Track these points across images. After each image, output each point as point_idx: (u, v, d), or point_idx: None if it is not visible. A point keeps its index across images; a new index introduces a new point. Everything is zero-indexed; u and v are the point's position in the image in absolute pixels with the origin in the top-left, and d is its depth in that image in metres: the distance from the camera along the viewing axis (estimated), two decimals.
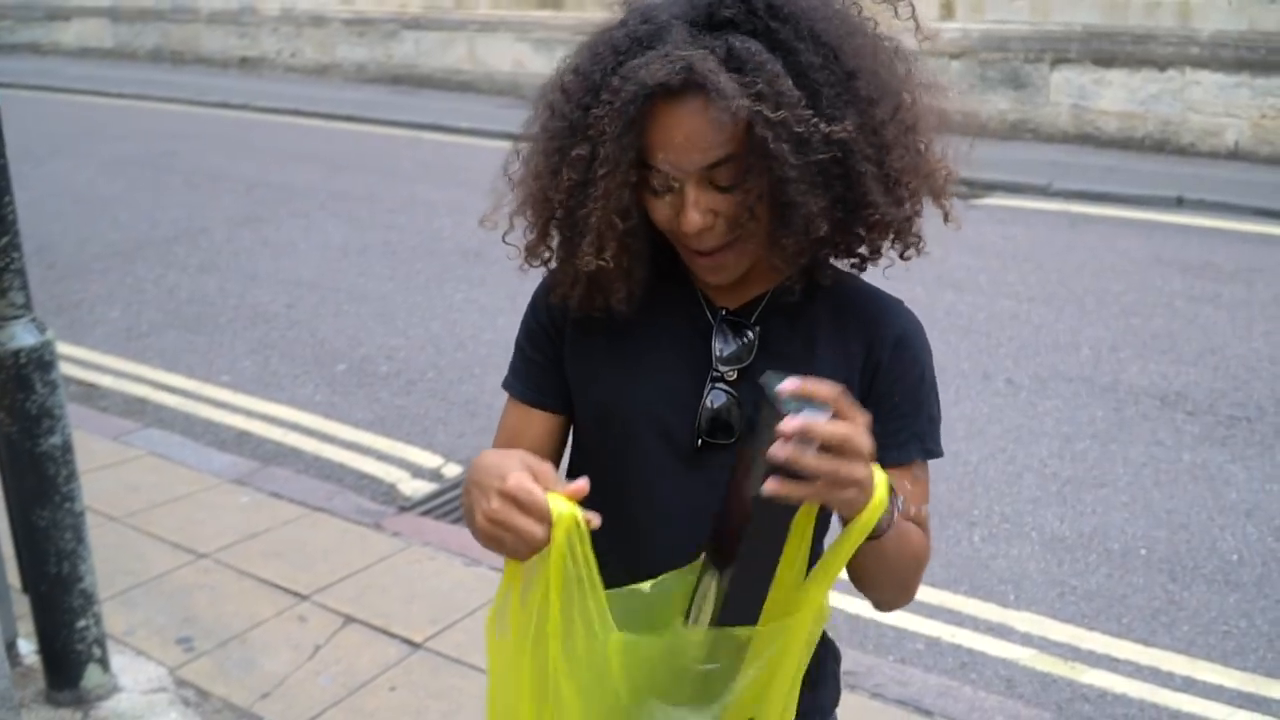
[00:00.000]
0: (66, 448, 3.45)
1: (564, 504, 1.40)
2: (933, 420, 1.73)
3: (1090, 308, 7.41)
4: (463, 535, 4.81)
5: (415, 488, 5.39)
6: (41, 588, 3.51)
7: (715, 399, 1.66)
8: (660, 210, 1.58)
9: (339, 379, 6.67)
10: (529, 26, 16.88)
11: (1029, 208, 10.41)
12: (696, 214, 1.53)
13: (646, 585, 1.56)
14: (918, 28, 1.68)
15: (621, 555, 1.58)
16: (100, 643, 3.66)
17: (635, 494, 1.70)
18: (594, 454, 1.78)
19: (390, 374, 6.73)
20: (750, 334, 1.68)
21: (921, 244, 1.67)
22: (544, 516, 1.37)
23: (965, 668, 4.09)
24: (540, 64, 16.85)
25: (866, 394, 1.66)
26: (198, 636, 4.09)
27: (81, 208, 10.68)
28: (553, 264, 1.72)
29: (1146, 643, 4.22)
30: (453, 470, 5.53)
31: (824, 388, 1.35)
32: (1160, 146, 12.49)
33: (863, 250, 1.67)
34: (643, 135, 1.51)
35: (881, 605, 1.72)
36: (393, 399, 6.38)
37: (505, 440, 1.81)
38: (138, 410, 6.24)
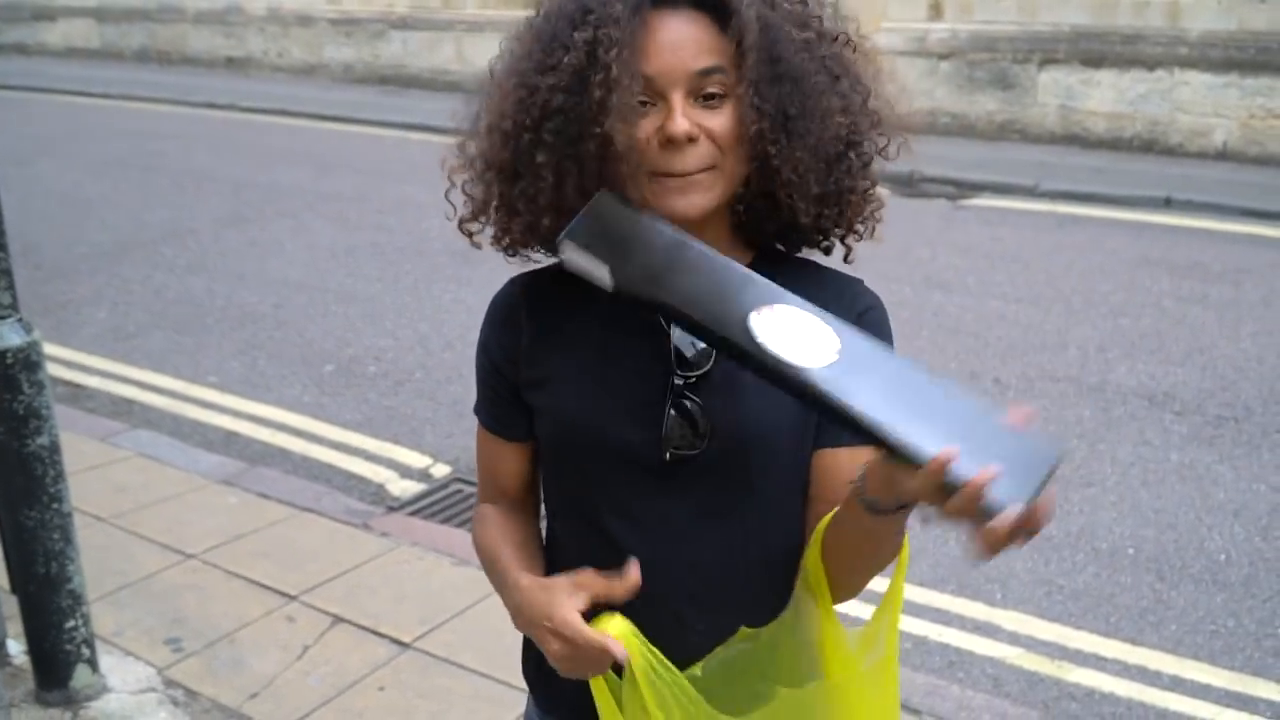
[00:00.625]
0: (54, 448, 3.46)
1: (618, 622, 1.47)
2: None
3: (1078, 308, 7.44)
4: (451, 535, 4.83)
5: (403, 488, 5.40)
6: (30, 588, 3.52)
7: (676, 407, 1.61)
8: (644, 126, 1.52)
9: (327, 379, 6.68)
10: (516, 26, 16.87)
11: (1017, 208, 10.44)
12: (682, 119, 1.51)
13: (697, 670, 1.58)
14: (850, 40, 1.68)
15: (599, 564, 1.59)
16: (89, 643, 3.67)
17: (610, 511, 1.67)
18: (564, 473, 1.74)
19: (378, 374, 6.73)
20: None
21: (853, 233, 1.69)
22: (601, 648, 1.46)
23: (953, 666, 4.12)
24: None
25: None
26: (186, 637, 4.10)
27: (68, 208, 10.67)
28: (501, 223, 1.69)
29: (1134, 642, 4.24)
30: (441, 470, 5.53)
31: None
32: (1148, 147, 12.53)
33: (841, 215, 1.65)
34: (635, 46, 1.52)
35: (841, 597, 1.66)
36: (381, 399, 6.38)
37: (486, 469, 1.84)
38: (125, 411, 6.24)
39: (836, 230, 1.68)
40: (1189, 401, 6.14)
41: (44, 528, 3.46)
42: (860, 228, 1.68)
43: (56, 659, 3.62)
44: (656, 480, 1.63)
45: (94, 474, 5.22)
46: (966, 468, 1.24)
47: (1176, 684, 4.02)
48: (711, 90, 1.53)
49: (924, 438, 1.27)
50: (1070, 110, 12.99)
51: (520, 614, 1.58)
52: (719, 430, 1.60)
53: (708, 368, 1.61)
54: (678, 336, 1.61)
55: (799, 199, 1.57)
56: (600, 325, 1.67)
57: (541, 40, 1.58)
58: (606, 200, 1.49)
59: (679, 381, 1.61)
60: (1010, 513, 1.24)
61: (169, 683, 3.85)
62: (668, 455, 1.61)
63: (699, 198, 1.56)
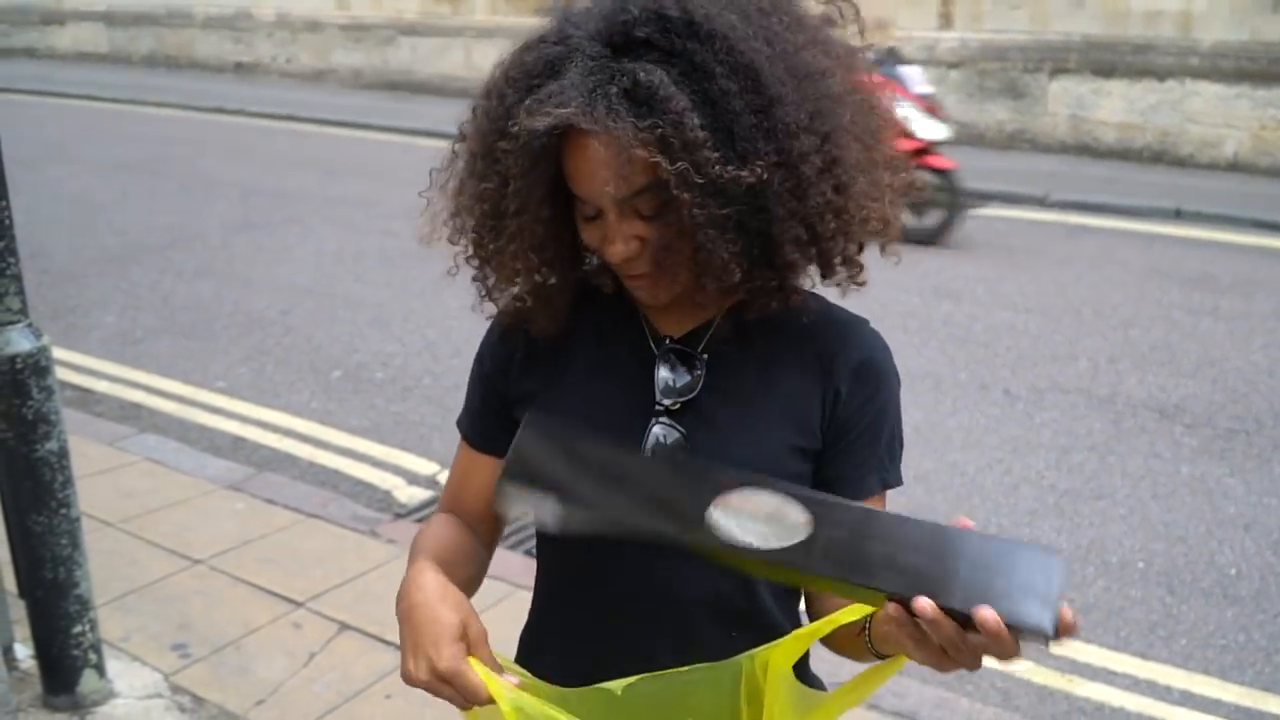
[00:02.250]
0: (63, 453, 3.46)
1: (504, 691, 1.38)
2: (893, 450, 1.64)
3: (1088, 319, 7.44)
4: None
5: (410, 494, 5.40)
6: (38, 593, 3.52)
7: (657, 435, 1.57)
8: (590, 234, 1.51)
9: (334, 385, 6.68)
10: (525, 33, 16.88)
11: (1026, 218, 10.44)
12: (620, 244, 1.47)
13: (617, 688, 1.49)
14: (861, 33, 1.59)
15: (580, 591, 1.59)
16: (96, 648, 3.67)
17: (592, 540, 1.61)
18: None
19: (386, 380, 6.74)
20: (697, 364, 1.59)
21: (856, 277, 1.57)
22: (480, 701, 1.39)
23: (962, 680, 4.10)
24: None
25: (828, 424, 1.59)
26: (193, 643, 4.09)
27: (77, 213, 10.69)
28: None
29: (1144, 656, 4.23)
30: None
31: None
32: (1159, 157, 12.54)
33: (776, 284, 1.52)
34: (557, 166, 1.46)
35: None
36: (388, 405, 6.39)
37: (456, 482, 1.81)
38: (133, 416, 6.24)
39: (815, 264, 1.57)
40: (1200, 414, 6.13)
41: (52, 533, 3.46)
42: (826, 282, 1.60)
43: (64, 664, 3.62)
44: None
45: (102, 478, 5.22)
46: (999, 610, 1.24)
47: (1186, 699, 4.01)
48: (645, 212, 1.46)
49: (952, 594, 1.25)
50: (1081, 120, 13.00)
51: (408, 613, 1.49)
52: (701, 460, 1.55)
53: (693, 396, 1.58)
54: (665, 363, 1.60)
55: (774, 296, 1.53)
56: (594, 344, 1.65)
57: (469, 166, 1.56)
58: (535, 427, 1.45)
59: (660, 408, 1.58)
60: (1047, 630, 1.25)
61: (175, 688, 3.85)
62: None
63: (664, 289, 1.53)
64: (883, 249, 1.60)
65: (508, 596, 4.30)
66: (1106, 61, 12.76)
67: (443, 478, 5.43)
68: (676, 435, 1.56)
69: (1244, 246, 9.50)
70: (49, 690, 3.64)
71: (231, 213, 10.75)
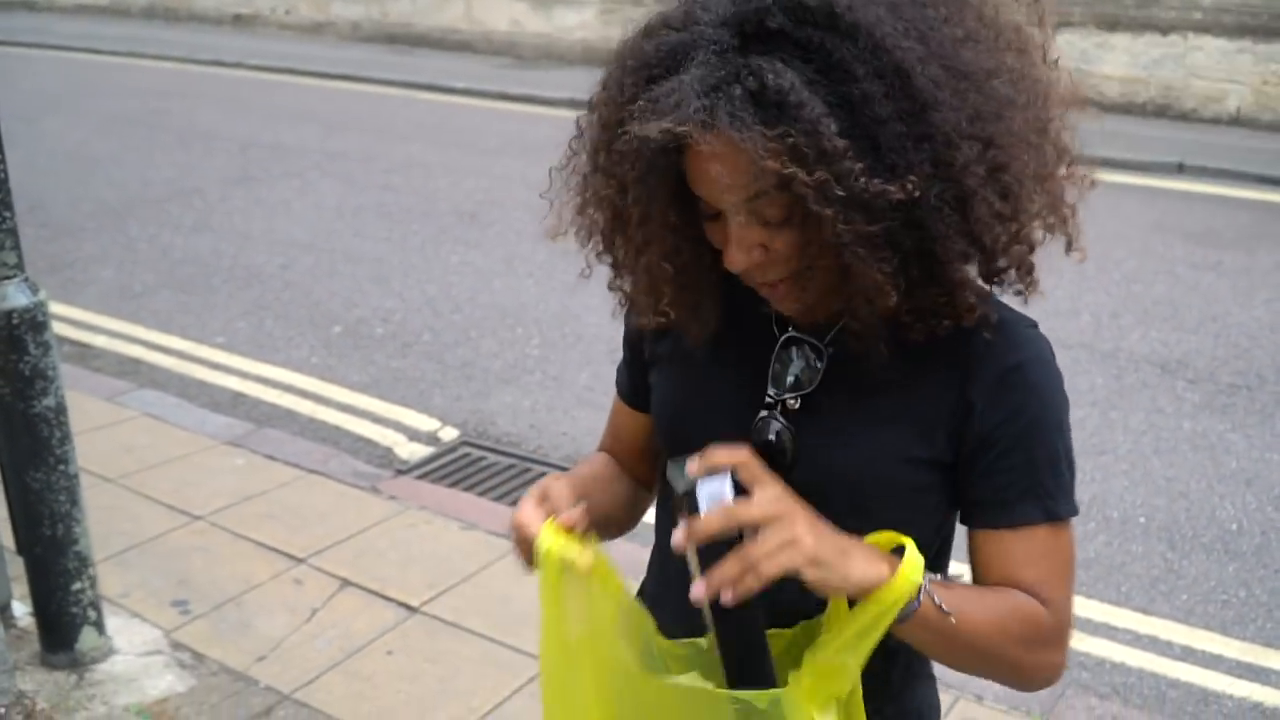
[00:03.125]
0: (60, 409, 3.43)
1: (550, 537, 1.41)
2: (1055, 472, 1.44)
3: (1090, 274, 7.37)
4: (459, 499, 4.82)
5: (411, 451, 5.38)
6: (36, 550, 3.51)
7: (764, 430, 1.48)
8: (713, 233, 1.40)
9: (334, 341, 6.65)
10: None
11: None
12: (739, 252, 1.35)
13: (703, 641, 1.46)
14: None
15: (675, 583, 1.48)
16: (95, 605, 3.66)
17: None
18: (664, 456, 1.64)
19: (386, 336, 6.71)
20: (817, 358, 1.48)
21: (1031, 282, 1.42)
22: (527, 548, 1.44)
23: None
24: (538, 23, 16.79)
25: (961, 437, 1.44)
26: (193, 599, 4.09)
27: (74, 166, 10.63)
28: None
29: (1145, 611, 4.22)
30: (449, 434, 5.51)
31: (721, 455, 1.29)
32: (1162, 112, 12.46)
33: (945, 301, 1.37)
34: (679, 164, 1.34)
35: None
36: (388, 361, 6.36)
37: (611, 429, 1.82)
38: (132, 371, 6.22)
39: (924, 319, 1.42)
40: (1202, 369, 6.10)
41: (50, 489, 3.44)
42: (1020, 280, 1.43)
43: (63, 621, 3.61)
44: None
45: (101, 434, 5.21)
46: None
47: (1188, 654, 4.01)
48: (771, 218, 1.33)
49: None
50: (1084, 74, 12.89)
51: None
52: (806, 462, 1.46)
53: (809, 390, 1.48)
54: (785, 354, 1.50)
55: (943, 316, 1.39)
56: (720, 327, 1.53)
57: (598, 136, 1.43)
58: None
59: (770, 400, 1.49)
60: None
61: (176, 645, 3.84)
62: None
63: (791, 302, 1.43)
64: (1067, 247, 1.46)
65: (509, 552, 4.29)
66: (1109, 15, 12.66)
67: (444, 434, 5.45)
68: (785, 432, 1.47)
69: (1247, 201, 9.45)
70: (47, 648, 3.63)
71: (230, 166, 10.68)
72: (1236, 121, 12.12)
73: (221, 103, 13.82)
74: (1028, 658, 1.44)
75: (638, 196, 1.36)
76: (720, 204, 1.34)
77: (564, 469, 4.47)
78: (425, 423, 5.65)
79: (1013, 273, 1.40)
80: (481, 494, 4.94)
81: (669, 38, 1.31)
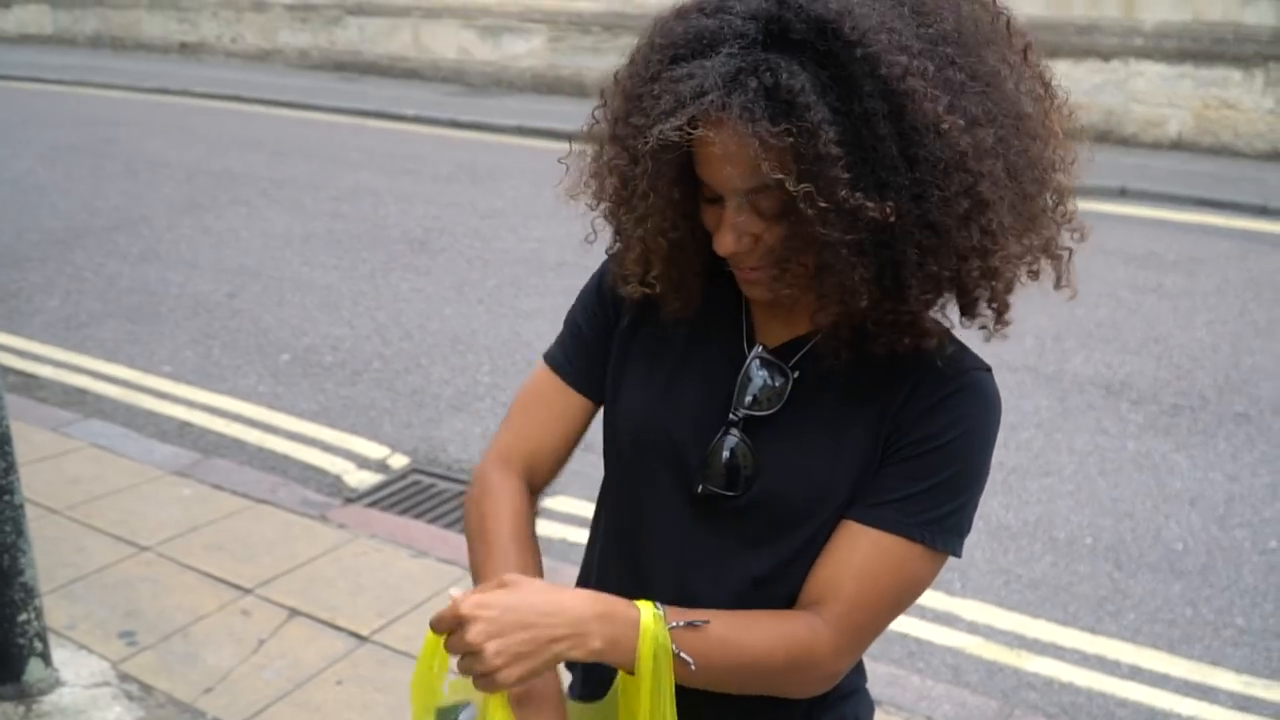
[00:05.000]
0: (5, 439, 3.39)
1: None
2: (939, 501, 1.46)
3: (1033, 296, 7.37)
4: (409, 527, 4.79)
5: (361, 479, 5.35)
6: None
7: (724, 444, 1.51)
8: (708, 216, 1.45)
9: (283, 369, 6.61)
10: (474, 13, 16.81)
11: None
12: (729, 236, 1.40)
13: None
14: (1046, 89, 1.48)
15: (626, 589, 1.51)
16: (41, 636, 3.61)
17: (642, 525, 1.61)
18: (614, 467, 1.68)
19: (335, 364, 6.68)
20: (783, 379, 1.52)
21: (1003, 320, 1.48)
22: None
23: (913, 656, 4.11)
24: (486, 51, 16.81)
25: (884, 456, 1.49)
26: (140, 630, 4.04)
27: (19, 196, 10.52)
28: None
29: (1092, 631, 4.25)
30: (399, 461, 5.49)
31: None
32: (1104, 137, 12.61)
33: (909, 320, 1.42)
34: (688, 148, 1.38)
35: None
36: (338, 389, 6.33)
37: (525, 401, 1.73)
38: (78, 401, 6.16)
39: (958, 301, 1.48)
40: (1145, 390, 6.17)
41: None
42: (985, 314, 1.48)
43: (9, 652, 3.55)
44: (690, 508, 1.55)
45: (46, 465, 5.15)
46: None
47: (1135, 673, 4.04)
48: (765, 212, 1.39)
49: None
50: None
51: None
52: (764, 479, 1.51)
53: (773, 411, 1.51)
54: (752, 372, 1.52)
55: (905, 332, 1.43)
56: (687, 336, 1.60)
57: (619, 108, 1.47)
58: None
59: (734, 417, 1.52)
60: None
61: (123, 676, 3.79)
62: (699, 489, 1.53)
63: (763, 290, 1.46)
64: (1056, 283, 1.50)
65: (460, 579, 4.27)
66: (1050, 43, 12.80)
67: (394, 461, 5.42)
68: (743, 447, 1.51)
69: (1187, 225, 9.58)
70: None
71: (177, 194, 10.61)
72: (1177, 146, 12.28)
73: (168, 131, 13.74)
74: (792, 681, 1.49)
75: (646, 170, 1.40)
76: (722, 191, 1.39)
77: None
78: (375, 450, 5.62)
79: (985, 308, 1.45)
80: (432, 521, 4.91)
81: (699, 22, 1.36)
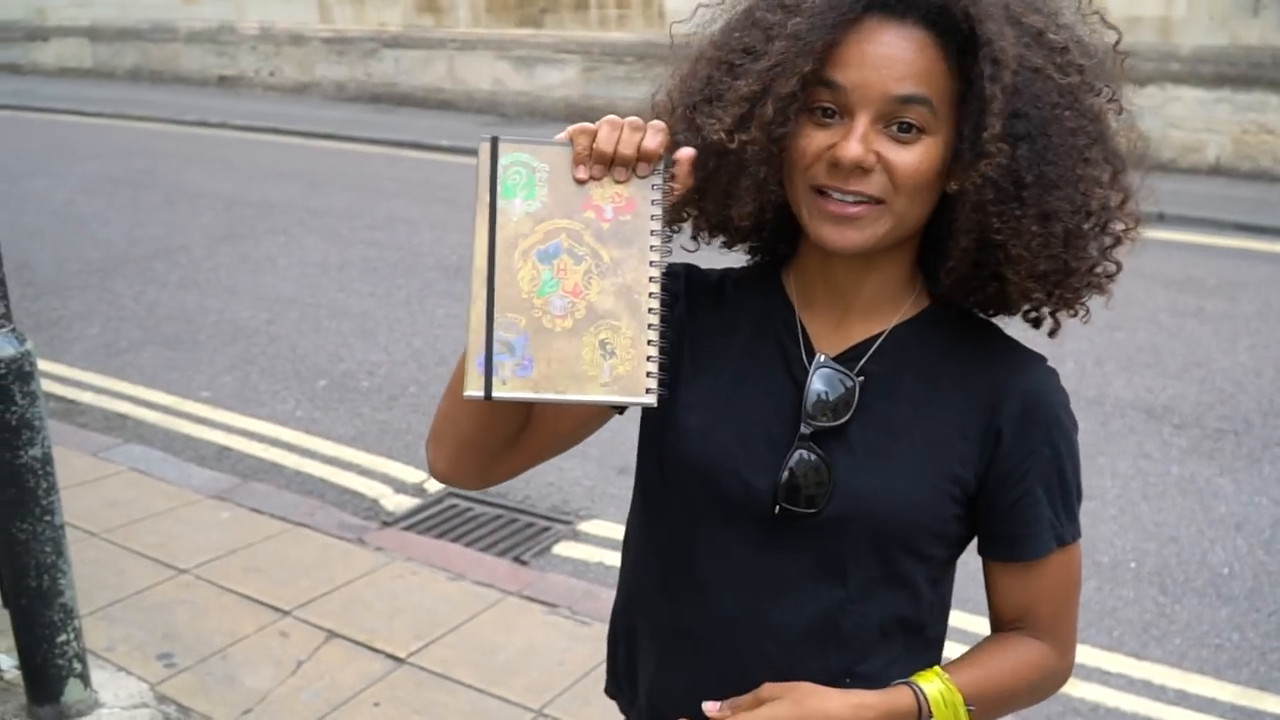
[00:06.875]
0: (47, 460, 3.40)
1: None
2: (1069, 502, 1.49)
3: (1072, 321, 7.35)
4: (446, 550, 4.78)
5: (398, 503, 5.35)
6: (21, 601, 3.46)
7: (797, 459, 1.44)
8: (816, 139, 1.36)
9: (320, 394, 6.62)
10: (509, 45, 16.89)
11: None
12: (858, 144, 1.33)
13: None
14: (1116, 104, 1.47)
15: (686, 621, 1.51)
16: (80, 658, 3.61)
17: (703, 546, 1.51)
18: (665, 489, 1.56)
19: (372, 389, 6.68)
20: (848, 386, 1.46)
21: (1062, 319, 1.51)
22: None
23: None
24: (520, 82, 16.87)
25: (986, 470, 1.46)
26: (178, 652, 4.04)
27: (60, 225, 10.61)
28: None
29: (1138, 656, 4.19)
30: (435, 485, 5.47)
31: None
32: (1140, 162, 12.53)
33: (993, 296, 1.45)
34: (831, 46, 1.34)
35: None
36: (374, 414, 6.33)
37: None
38: (117, 426, 6.18)
39: (1048, 306, 1.49)
40: (1188, 414, 6.10)
41: (36, 540, 3.40)
42: (1080, 307, 1.49)
43: (48, 673, 3.55)
44: (762, 529, 1.47)
45: (86, 489, 5.16)
46: None
47: (1182, 698, 3.98)
48: (908, 121, 1.34)
49: None
50: None
51: None
52: (842, 493, 1.44)
53: (844, 420, 1.45)
54: (817, 382, 1.46)
55: (1019, 278, 1.39)
56: (744, 349, 1.53)
57: (745, 17, 1.43)
58: None
59: (806, 431, 1.45)
60: None
61: (161, 698, 3.79)
62: (776, 509, 1.45)
63: (854, 233, 1.38)
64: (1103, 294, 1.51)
65: (497, 603, 4.26)
66: None
67: (430, 485, 5.41)
68: (817, 461, 1.44)
69: (1227, 249, 9.49)
70: (33, 700, 3.58)
71: (215, 224, 10.68)
72: (1216, 171, 12.19)
73: (207, 162, 13.83)
74: (1038, 697, 1.59)
75: (799, 30, 1.34)
76: (865, 94, 1.33)
77: (551, 519, 4.51)
78: (411, 474, 5.61)
79: (1048, 308, 1.49)
80: (468, 545, 4.90)
81: None
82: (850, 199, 1.36)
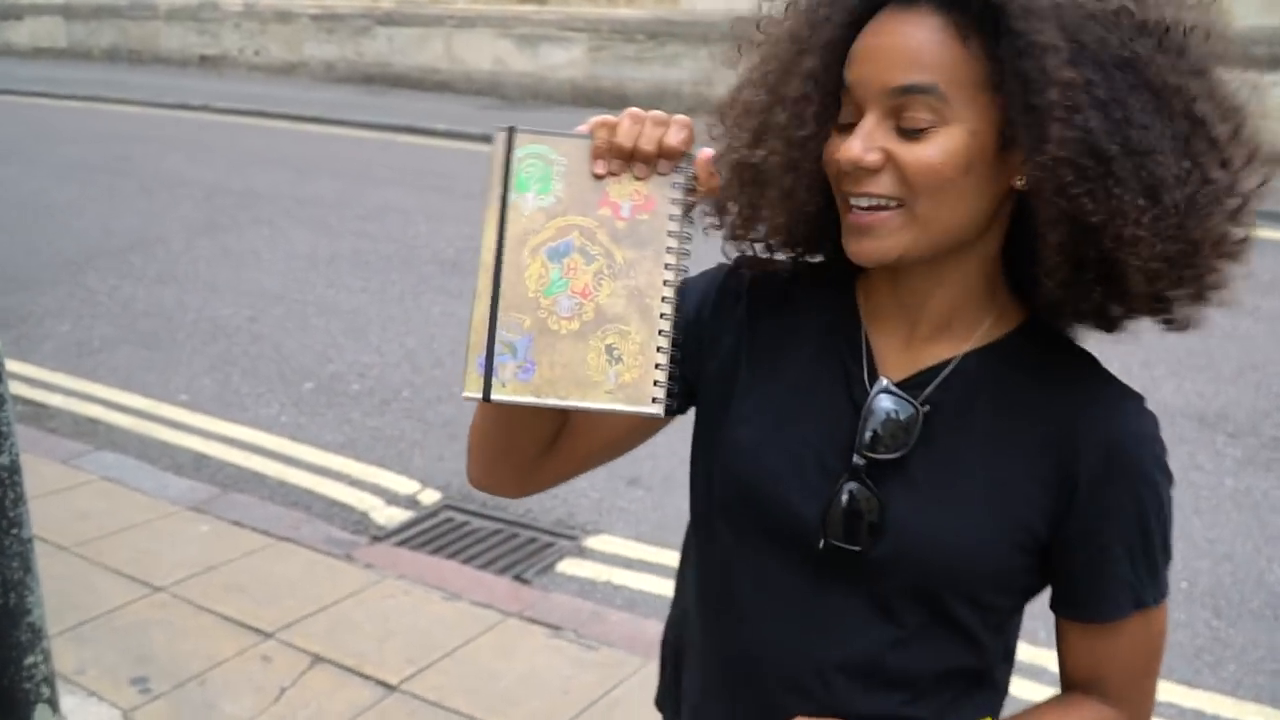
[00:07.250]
0: (14, 469, 3.36)
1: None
2: (1151, 564, 1.43)
3: None
4: (441, 568, 4.76)
5: (389, 516, 5.33)
6: None
7: (848, 493, 1.40)
8: (833, 144, 1.35)
9: (306, 398, 6.61)
10: (511, 22, 16.90)
11: None
12: (858, 142, 1.31)
13: None
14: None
15: (727, 650, 1.50)
16: (49, 681, 3.57)
17: (745, 569, 1.50)
18: (713, 508, 1.54)
19: (362, 393, 6.67)
20: (910, 415, 1.40)
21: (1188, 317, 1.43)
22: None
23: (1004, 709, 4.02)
24: (523, 62, 16.87)
25: (1061, 521, 1.40)
26: (154, 676, 4.02)
27: (30, 215, 10.63)
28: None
29: (1190, 684, 4.16)
30: (430, 496, 5.46)
31: None
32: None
33: (1099, 301, 1.39)
34: (851, 44, 1.34)
35: None
36: (365, 420, 6.32)
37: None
38: (89, 431, 6.17)
39: (1180, 293, 1.38)
40: (1243, 422, 6.06)
41: (2, 555, 3.36)
42: (1211, 292, 1.39)
43: (15, 698, 3.52)
44: (806, 560, 1.44)
45: (55, 499, 5.15)
46: None
47: None
48: (911, 123, 1.30)
49: None
50: None
51: None
52: (895, 533, 1.39)
53: (902, 454, 1.40)
54: (875, 409, 1.41)
55: (1141, 260, 1.29)
56: (805, 361, 1.49)
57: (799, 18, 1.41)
58: None
59: (860, 462, 1.40)
60: None
61: None
62: (822, 544, 1.42)
63: (870, 243, 1.34)
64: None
65: (496, 625, 4.23)
66: None
67: (424, 497, 5.39)
68: (873, 499, 1.40)
69: None
70: None
71: (196, 214, 10.69)
72: (1270, 159, 12.17)
73: (187, 147, 13.87)
74: None
75: (821, 15, 1.36)
76: (865, 90, 1.32)
77: (555, 534, 4.46)
78: (404, 485, 5.59)
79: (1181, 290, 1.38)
80: (465, 562, 4.88)
81: None
82: (865, 203, 1.34)
